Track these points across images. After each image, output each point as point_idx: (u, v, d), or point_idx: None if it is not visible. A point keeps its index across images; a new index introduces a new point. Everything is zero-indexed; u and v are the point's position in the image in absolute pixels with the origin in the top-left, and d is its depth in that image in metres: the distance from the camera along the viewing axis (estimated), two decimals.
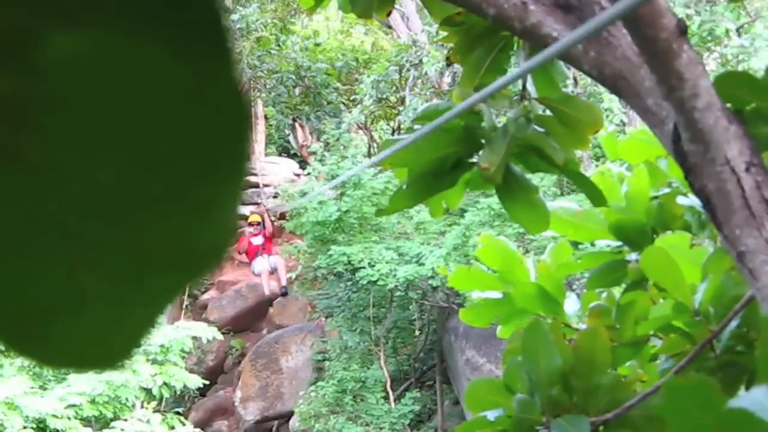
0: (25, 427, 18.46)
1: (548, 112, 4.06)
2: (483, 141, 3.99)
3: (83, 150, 0.62)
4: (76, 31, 0.58)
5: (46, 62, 0.59)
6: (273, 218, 30.52)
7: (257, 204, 33.12)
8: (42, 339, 0.67)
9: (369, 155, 26.71)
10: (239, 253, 30.11)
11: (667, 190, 4.15)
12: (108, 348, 0.68)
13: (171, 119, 0.62)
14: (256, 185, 33.49)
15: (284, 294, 29.58)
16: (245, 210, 33.64)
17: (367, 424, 23.46)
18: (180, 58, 0.60)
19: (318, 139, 32.70)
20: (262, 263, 29.04)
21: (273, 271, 29.23)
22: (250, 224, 29.26)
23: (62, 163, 0.61)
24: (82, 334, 0.67)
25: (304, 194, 27.11)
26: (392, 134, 28.46)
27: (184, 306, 30.20)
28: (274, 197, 30.61)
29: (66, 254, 0.63)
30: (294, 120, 36.49)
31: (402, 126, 27.36)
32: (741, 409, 1.80)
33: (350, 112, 29.55)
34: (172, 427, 20.19)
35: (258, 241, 29.21)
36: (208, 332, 22.24)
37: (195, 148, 0.63)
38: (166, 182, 0.63)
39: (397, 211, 4.17)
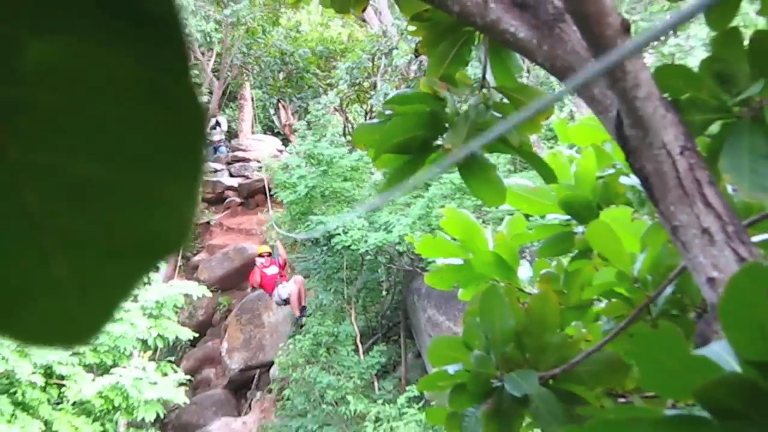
0: (33, 373, 18.45)
1: (505, 100, 4.08)
2: (447, 125, 4.00)
3: (56, 148, 0.63)
4: (50, 39, 0.60)
5: (23, 68, 0.60)
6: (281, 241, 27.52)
7: (245, 177, 33.00)
8: (14, 319, 0.68)
9: (344, 134, 26.82)
10: (252, 287, 27.92)
11: (611, 171, 4.17)
12: (76, 327, 0.69)
13: (133, 120, 0.63)
14: (245, 159, 33.42)
15: (302, 316, 26.07)
16: (233, 182, 33.66)
17: (339, 374, 23.52)
18: (142, 65, 0.62)
19: (299, 119, 32.68)
20: (283, 291, 25.73)
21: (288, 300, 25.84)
22: (260, 255, 26.23)
23: (37, 160, 0.63)
24: (53, 314, 0.68)
25: (285, 166, 27.15)
26: (365, 116, 28.51)
27: (177, 266, 30.17)
28: (258, 170, 30.24)
29: (38, 242, 0.64)
30: (278, 101, 36.42)
31: (373, 108, 27.38)
32: (702, 356, 1.81)
33: (327, 95, 29.57)
34: (165, 374, 20.18)
35: (272, 271, 25.95)
36: (199, 290, 22.24)
37: (155, 147, 0.64)
38: (129, 177, 0.64)
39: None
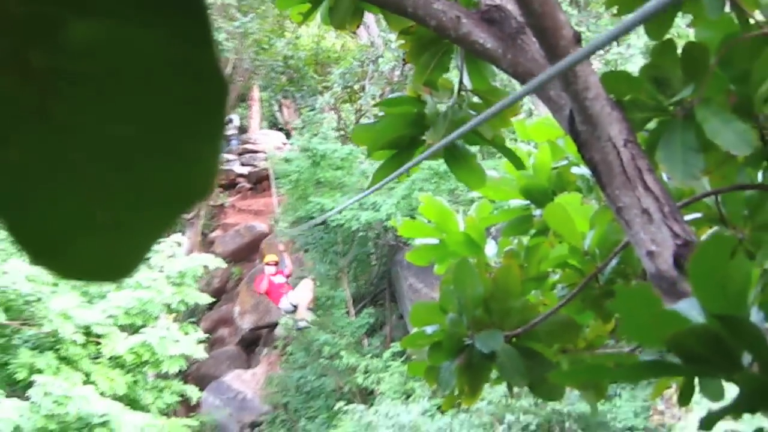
0: (75, 332, 18.44)
1: (479, 101, 4.10)
2: (428, 123, 4.02)
3: (96, 111, 0.64)
4: (92, 20, 0.61)
5: (70, 43, 0.61)
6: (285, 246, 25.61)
7: (254, 166, 32.94)
8: (61, 256, 0.69)
9: (338, 129, 26.81)
10: (258, 294, 25.07)
11: (563, 162, 4.18)
12: (114, 265, 0.71)
13: (164, 87, 0.64)
14: (253, 151, 33.40)
15: (304, 327, 23.65)
16: (244, 170, 33.71)
17: (334, 332, 23.54)
18: (171, 40, 0.63)
19: (300, 116, 32.79)
20: (293, 298, 23.43)
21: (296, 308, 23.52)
22: (268, 264, 23.83)
23: (80, 121, 0.64)
24: (94, 253, 0.70)
25: (287, 161, 27.16)
26: (355, 113, 28.51)
27: (197, 242, 30.13)
28: (265, 161, 30.12)
29: (83, 190, 0.66)
30: (281, 101, 36.45)
31: (362, 107, 27.44)
32: (674, 310, 1.83)
33: (323, 95, 29.65)
34: (187, 333, 20.19)
35: (279, 280, 23.64)
36: (215, 262, 22.17)
37: (183, 110, 0.65)
38: (160, 136, 0.66)
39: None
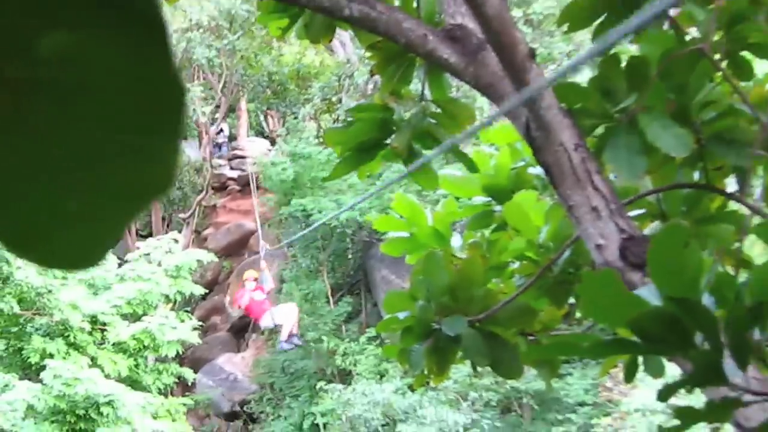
0: (82, 321, 18.45)
1: (439, 110, 4.09)
2: (394, 129, 4.02)
3: (65, 115, 0.64)
4: (61, 32, 0.61)
5: (40, 53, 0.62)
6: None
7: (242, 170, 32.84)
8: (38, 247, 0.70)
9: (317, 137, 26.84)
10: (238, 307, 22.43)
11: (521, 163, 4.18)
12: (85, 254, 0.72)
13: (128, 94, 0.65)
14: (242, 156, 33.35)
15: (291, 343, 21.33)
16: (233, 173, 33.72)
17: (315, 319, 23.61)
18: (133, 51, 0.63)
19: (282, 125, 32.84)
20: (277, 316, 20.80)
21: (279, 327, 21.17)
22: (248, 280, 21.13)
23: (51, 124, 0.64)
24: (66, 244, 0.71)
25: (272, 163, 27.21)
26: (333, 122, 28.55)
27: (191, 239, 30.06)
28: (253, 164, 30.02)
29: (55, 187, 0.67)
30: (266, 111, 36.46)
31: (339, 118, 27.48)
32: (634, 294, 1.85)
33: (304, 107, 29.70)
34: (183, 321, 20.23)
35: (259, 296, 20.84)
36: (208, 257, 22.21)
37: (146, 114, 0.66)
38: (125, 138, 0.66)
39: (337, 178, 4.25)
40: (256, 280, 20.82)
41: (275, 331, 21.04)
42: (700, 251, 1.91)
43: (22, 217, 0.68)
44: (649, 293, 1.81)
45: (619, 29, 1.71)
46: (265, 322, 20.66)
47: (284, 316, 20.85)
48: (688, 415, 1.92)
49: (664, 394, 1.91)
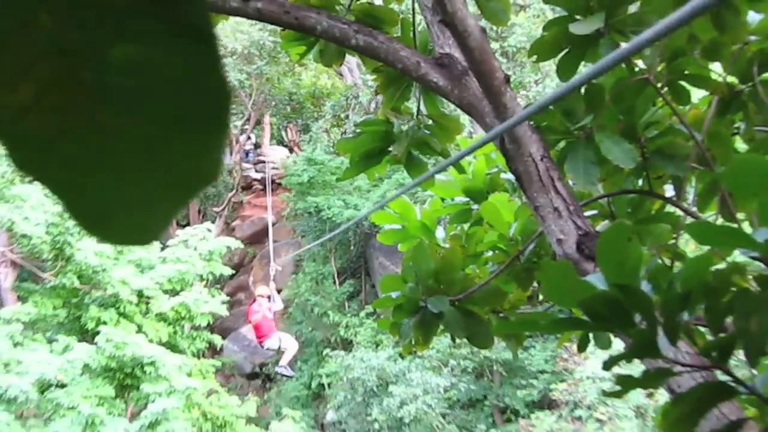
0: (131, 294, 18.47)
1: (432, 123, 4.09)
2: (394, 139, 4.02)
3: (130, 115, 0.64)
4: (130, 43, 0.62)
5: (112, 62, 0.62)
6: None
7: (264, 173, 32.85)
8: (105, 227, 0.71)
9: (330, 147, 26.91)
10: (249, 322, 18.71)
11: (495, 170, 4.21)
12: (144, 233, 0.72)
13: (181, 97, 0.65)
14: (265, 161, 33.36)
15: (286, 371, 18.32)
16: (257, 175, 33.79)
17: (323, 297, 23.67)
18: (188, 61, 0.63)
19: (300, 136, 32.96)
20: (284, 342, 17.73)
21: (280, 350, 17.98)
22: (261, 296, 17.96)
23: (117, 123, 0.64)
24: (129, 224, 0.71)
25: (289, 172, 27.22)
26: (341, 134, 28.59)
27: (222, 229, 30.06)
28: (274, 168, 29.95)
29: (120, 175, 0.67)
30: (286, 125, 36.44)
31: (347, 131, 27.50)
32: (585, 280, 1.88)
33: (317, 122, 29.71)
34: (213, 296, 20.26)
35: (269, 315, 17.67)
36: (235, 243, 22.16)
37: (196, 114, 0.66)
38: (180, 135, 0.66)
39: (348, 179, 4.27)
40: (268, 297, 17.79)
41: (280, 351, 17.73)
42: (640, 246, 1.92)
43: (94, 202, 0.69)
44: (597, 280, 1.83)
45: (600, 63, 1.70)
46: (272, 343, 17.48)
47: (290, 343, 17.92)
48: (627, 382, 1.93)
49: (608, 364, 1.93)
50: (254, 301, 17.83)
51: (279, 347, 17.68)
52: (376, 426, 18.41)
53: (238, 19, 3.51)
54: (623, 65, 3.24)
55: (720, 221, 3.31)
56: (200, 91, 0.65)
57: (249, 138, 34.34)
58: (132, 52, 0.62)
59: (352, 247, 25.78)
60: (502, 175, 4.15)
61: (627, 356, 1.89)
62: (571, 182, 3.23)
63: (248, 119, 33.23)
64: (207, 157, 0.68)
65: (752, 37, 3.19)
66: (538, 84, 21.08)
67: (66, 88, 0.62)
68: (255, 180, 34.44)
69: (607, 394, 2.05)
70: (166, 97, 0.64)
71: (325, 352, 22.34)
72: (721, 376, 2.08)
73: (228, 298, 22.50)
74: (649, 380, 1.92)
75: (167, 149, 0.66)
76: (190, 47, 0.63)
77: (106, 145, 0.65)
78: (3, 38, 0.61)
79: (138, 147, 0.65)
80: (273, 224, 29.37)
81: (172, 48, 0.63)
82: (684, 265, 1.94)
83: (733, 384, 1.91)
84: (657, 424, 1.97)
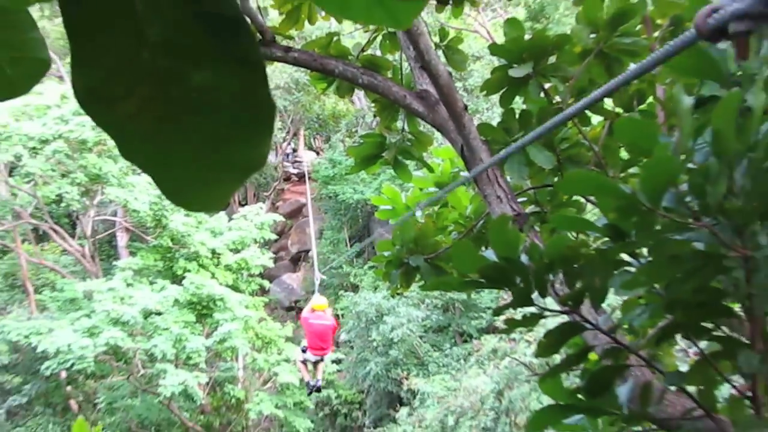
0: (207, 251, 18.50)
1: (412, 137, 4.08)
2: (387, 147, 4.00)
3: (204, 119, 0.66)
4: (203, 71, 0.64)
5: (193, 83, 0.64)
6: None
7: (300, 169, 32.65)
8: (185, 198, 0.73)
9: (344, 152, 26.88)
10: (299, 318, 12.43)
11: (457, 170, 4.17)
12: (213, 204, 0.73)
13: (241, 108, 0.66)
14: (299, 161, 33.25)
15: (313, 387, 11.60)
16: (294, 171, 33.76)
17: (338, 254, 23.69)
18: (246, 82, 0.65)
19: (324, 144, 32.85)
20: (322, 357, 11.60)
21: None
22: (323, 309, 11.24)
23: (196, 125, 0.66)
24: (203, 197, 0.73)
25: (316, 168, 27.02)
26: (352, 143, 28.50)
27: (269, 207, 30.01)
28: (307, 167, 29.90)
29: (197, 161, 0.68)
30: (315, 136, 36.33)
31: (355, 140, 27.41)
32: (482, 255, 1.87)
33: (336, 134, 29.58)
34: (264, 254, 20.23)
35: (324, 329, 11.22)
36: (279, 217, 22.18)
37: (251, 119, 0.67)
38: (238, 132, 0.67)
39: (354, 173, 4.26)
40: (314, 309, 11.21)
41: (317, 363, 11.58)
42: (517, 230, 1.96)
43: (177, 181, 0.71)
44: (490, 254, 1.84)
45: (587, 99, 1.72)
46: (304, 354, 11.51)
47: (323, 364, 12.01)
48: (513, 323, 1.95)
49: (496, 312, 2.02)
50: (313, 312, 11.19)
51: (316, 360, 11.58)
52: (374, 344, 18.45)
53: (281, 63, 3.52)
54: (543, 96, 3.23)
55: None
56: (253, 103, 0.66)
57: (289, 144, 34.25)
58: (207, 77, 0.64)
59: (360, 221, 25.74)
60: (462, 173, 4.14)
61: (511, 306, 1.92)
62: (508, 178, 3.23)
63: (288, 132, 33.12)
64: (257, 151, 0.69)
65: (633, 81, 3.19)
66: (488, 110, 20.90)
67: (160, 102, 0.64)
68: (292, 174, 34.37)
69: (501, 330, 2.08)
70: (229, 107, 0.66)
71: (339, 293, 22.33)
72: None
73: (273, 255, 22.49)
74: (528, 321, 1.94)
75: (229, 144, 0.68)
76: (246, 73, 0.65)
77: (186, 141, 0.67)
78: (117, 67, 0.63)
79: (209, 142, 0.67)
80: (301, 207, 29.22)
81: (234, 74, 0.65)
82: (548, 242, 1.96)
83: (582, 323, 1.95)
84: (537, 348, 1.99)
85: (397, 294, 4.26)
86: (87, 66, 0.63)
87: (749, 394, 1.77)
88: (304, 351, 11.45)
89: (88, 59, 0.63)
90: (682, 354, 4.42)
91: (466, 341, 18.78)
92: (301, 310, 24.80)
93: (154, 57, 0.62)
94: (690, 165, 1.54)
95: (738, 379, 1.87)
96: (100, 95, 0.64)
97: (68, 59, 0.63)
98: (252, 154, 0.69)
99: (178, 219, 18.18)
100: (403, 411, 16.39)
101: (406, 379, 17.62)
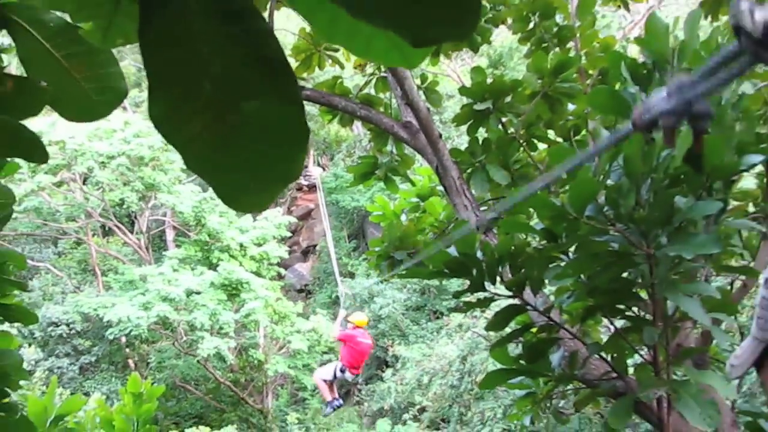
0: (236, 245, 18.35)
1: (398, 158, 4.06)
2: (379, 166, 3.98)
3: (252, 139, 0.65)
4: (251, 101, 0.62)
5: (244, 110, 0.63)
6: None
7: (309, 181, 32.48)
8: (236, 201, 0.71)
9: (345, 169, 26.65)
10: (342, 335, 8.69)
11: (433, 184, 4.15)
12: (257, 206, 0.72)
13: (282, 129, 0.65)
14: (309, 175, 33.12)
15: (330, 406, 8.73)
16: (305, 182, 33.49)
17: (339, 248, 23.50)
18: (285, 109, 0.64)
19: (329, 161, 32.68)
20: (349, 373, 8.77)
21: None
22: (358, 326, 8.93)
23: (244, 142, 0.65)
24: (250, 201, 0.71)
25: (323, 180, 26.78)
26: (351, 162, 28.31)
27: (285, 211, 29.77)
28: (315, 180, 29.65)
29: (245, 172, 0.67)
30: (322, 155, 36.20)
31: (354, 160, 27.21)
32: (446, 251, 1.91)
33: (338, 154, 29.36)
34: (280, 247, 20.03)
35: (356, 336, 8.61)
36: (293, 219, 21.97)
37: (289, 139, 0.66)
38: (279, 150, 0.66)
39: (353, 187, 4.25)
40: (357, 326, 8.97)
41: (343, 380, 9.04)
42: (475, 232, 1.98)
43: (231, 187, 0.69)
44: (453, 250, 1.84)
45: (609, 138, 1.71)
46: (343, 374, 8.85)
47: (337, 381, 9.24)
48: (469, 304, 1.95)
49: (456, 295, 2.02)
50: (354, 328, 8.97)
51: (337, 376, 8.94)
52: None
53: None
54: (501, 128, 3.23)
55: None
56: (291, 128, 0.65)
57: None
58: (256, 106, 0.63)
59: (356, 223, 25.59)
60: (438, 187, 4.14)
61: (466, 291, 1.92)
62: (473, 191, 3.23)
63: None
64: (294, 165, 0.69)
65: (570, 117, 3.20)
66: (458, 137, 20.78)
67: (218, 125, 0.63)
68: (304, 185, 34.15)
69: (455, 309, 2.08)
70: (272, 130, 0.65)
71: (339, 280, 22.27)
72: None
73: (288, 248, 22.31)
74: (481, 303, 1.94)
75: (272, 159, 0.67)
76: (287, 104, 0.64)
77: (239, 156, 0.66)
78: (184, 96, 0.62)
79: (256, 158, 0.67)
80: (310, 211, 28.92)
81: (277, 103, 0.64)
82: (498, 241, 1.96)
83: (524, 305, 1.96)
84: (488, 324, 1.99)
85: (385, 280, 4.24)
86: (160, 95, 0.63)
87: (651, 360, 1.79)
88: (342, 371, 8.64)
89: (162, 89, 0.63)
90: (606, 330, 4.44)
91: (438, 318, 18.73)
92: (309, 293, 24.70)
93: (215, 89, 0.62)
94: (607, 182, 1.55)
95: (644, 350, 1.89)
96: (170, 119, 0.64)
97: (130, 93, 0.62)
98: (290, 167, 0.68)
99: (213, 219, 18.10)
100: (389, 372, 16.38)
101: (391, 347, 17.59)
